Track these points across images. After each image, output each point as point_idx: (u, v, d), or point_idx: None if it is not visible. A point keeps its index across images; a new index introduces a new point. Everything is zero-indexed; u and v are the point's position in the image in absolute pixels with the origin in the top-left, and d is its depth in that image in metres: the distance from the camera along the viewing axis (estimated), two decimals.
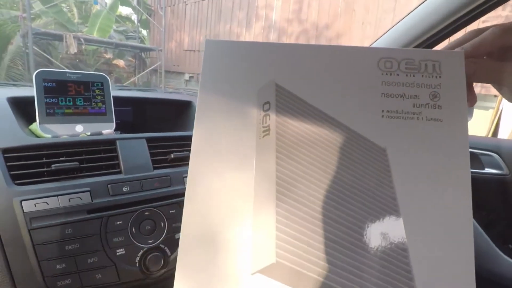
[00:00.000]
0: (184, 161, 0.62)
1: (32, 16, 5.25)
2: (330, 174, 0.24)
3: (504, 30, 0.25)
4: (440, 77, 0.25)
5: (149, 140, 0.61)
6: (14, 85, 0.97)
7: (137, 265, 0.52)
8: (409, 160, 0.23)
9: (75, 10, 7.49)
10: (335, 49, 0.26)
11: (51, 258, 0.47)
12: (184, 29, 6.50)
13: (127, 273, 0.52)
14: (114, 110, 0.67)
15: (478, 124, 2.68)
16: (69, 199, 0.49)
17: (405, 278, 0.21)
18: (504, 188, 0.88)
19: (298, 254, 0.22)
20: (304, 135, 0.24)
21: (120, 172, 0.55)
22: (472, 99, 0.27)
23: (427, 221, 0.22)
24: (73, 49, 5.35)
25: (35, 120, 0.59)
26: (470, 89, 0.27)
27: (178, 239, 0.25)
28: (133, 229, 0.53)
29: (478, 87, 2.45)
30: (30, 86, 0.59)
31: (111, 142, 0.58)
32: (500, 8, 0.71)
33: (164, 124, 0.83)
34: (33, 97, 0.59)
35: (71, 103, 0.62)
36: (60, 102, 0.61)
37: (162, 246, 0.55)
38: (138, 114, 0.83)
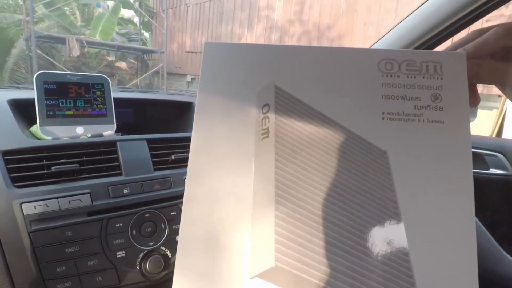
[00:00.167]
0: (185, 162, 0.61)
1: (35, 20, 5.28)
2: (330, 177, 0.23)
3: (507, 30, 0.24)
4: (441, 78, 0.24)
5: (149, 141, 0.60)
6: (17, 87, 0.97)
7: (137, 267, 0.52)
8: (410, 162, 0.23)
9: (77, 13, 7.53)
10: (335, 51, 0.26)
11: (51, 261, 0.47)
12: (186, 31, 6.52)
13: (128, 276, 0.51)
14: (115, 111, 0.66)
15: (482, 124, 2.66)
16: (69, 201, 0.49)
17: (407, 282, 0.21)
18: (509, 189, 0.87)
19: (297, 258, 0.22)
20: (303, 138, 0.24)
21: (120, 174, 0.55)
22: (475, 100, 0.27)
23: (429, 225, 0.22)
24: (76, 52, 5.37)
25: (36, 122, 0.59)
26: (473, 89, 0.26)
27: None
28: (134, 231, 0.53)
29: (481, 87, 2.43)
30: (33, 89, 0.59)
31: (112, 143, 0.58)
32: (503, 6, 0.70)
33: (165, 125, 0.83)
34: (33, 99, 0.59)
35: (72, 105, 0.62)
36: (60, 104, 0.61)
37: (162, 248, 0.54)
38: (139, 116, 0.83)
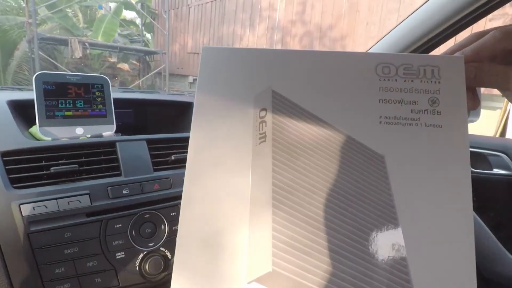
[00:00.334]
0: (185, 162, 0.60)
1: (37, 22, 5.31)
2: (327, 182, 0.23)
3: (505, 33, 0.24)
4: (439, 82, 0.24)
5: (149, 141, 0.60)
6: (19, 89, 0.97)
7: (137, 268, 0.52)
8: (407, 167, 0.23)
9: (80, 15, 7.57)
10: (332, 55, 0.26)
11: (50, 262, 0.47)
12: (188, 32, 6.53)
13: (127, 277, 0.51)
14: (115, 112, 0.66)
15: (486, 124, 2.65)
16: (68, 202, 0.48)
17: (402, 274, 0.21)
18: None
19: (294, 263, 0.22)
20: (301, 142, 0.24)
21: (120, 174, 0.55)
22: (475, 102, 0.26)
23: (427, 230, 0.22)
24: (78, 54, 5.39)
25: (35, 123, 0.59)
26: (473, 92, 0.26)
27: None
28: (133, 232, 0.52)
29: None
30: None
31: (111, 144, 0.57)
32: (507, 5, 0.69)
33: (166, 125, 0.83)
34: (33, 100, 0.58)
35: (71, 106, 0.62)
36: (60, 104, 0.60)
37: (162, 249, 0.54)
38: (139, 116, 0.83)
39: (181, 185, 0.26)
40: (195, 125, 0.26)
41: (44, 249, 0.46)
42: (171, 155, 0.61)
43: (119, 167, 0.55)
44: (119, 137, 0.61)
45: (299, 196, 0.23)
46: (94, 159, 0.55)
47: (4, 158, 0.49)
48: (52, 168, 0.50)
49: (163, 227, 0.55)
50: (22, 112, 0.62)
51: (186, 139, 0.26)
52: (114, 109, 0.66)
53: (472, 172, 0.89)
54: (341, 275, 0.21)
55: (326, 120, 0.24)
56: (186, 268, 0.23)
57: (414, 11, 0.76)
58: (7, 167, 0.48)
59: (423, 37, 0.70)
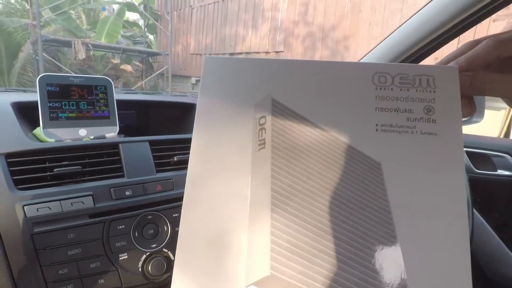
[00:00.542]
0: (187, 163, 0.61)
1: (41, 24, 5.35)
2: (325, 187, 0.24)
3: (497, 42, 0.24)
4: (434, 91, 0.25)
5: (152, 143, 0.60)
6: (24, 91, 0.98)
7: (139, 270, 0.52)
8: (403, 173, 0.23)
9: (83, 17, 7.62)
10: (330, 65, 0.26)
11: (53, 263, 0.47)
12: (190, 33, 6.55)
13: (130, 278, 0.51)
14: (118, 113, 0.66)
15: (490, 125, 2.63)
16: (72, 203, 0.49)
17: (399, 279, 0.22)
18: None
19: (292, 267, 0.22)
20: (299, 148, 0.25)
21: (123, 176, 0.55)
22: (471, 109, 0.27)
23: (422, 236, 0.22)
24: (82, 55, 5.43)
25: (39, 125, 0.59)
26: (469, 100, 0.27)
27: None
28: (136, 234, 0.52)
29: None
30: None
31: (114, 145, 0.57)
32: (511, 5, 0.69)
33: (168, 127, 0.83)
34: (37, 102, 0.59)
35: (75, 107, 0.62)
36: (63, 106, 0.61)
37: (165, 250, 0.54)
38: (142, 118, 0.83)
39: (184, 186, 0.26)
40: (196, 132, 0.26)
41: (48, 250, 0.47)
42: (173, 156, 0.61)
43: (122, 168, 0.56)
44: (122, 138, 0.61)
45: (297, 202, 0.23)
46: (97, 160, 0.55)
47: (8, 160, 0.49)
48: (55, 170, 0.50)
49: (165, 228, 0.55)
50: (26, 113, 0.62)
51: (189, 140, 0.27)
52: (117, 110, 0.66)
53: (476, 173, 0.89)
54: (339, 280, 0.22)
55: (324, 127, 0.25)
56: (186, 269, 0.23)
57: (417, 12, 0.76)
58: (11, 168, 0.49)
59: (426, 38, 0.69)
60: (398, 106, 0.25)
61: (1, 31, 5.43)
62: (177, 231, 0.54)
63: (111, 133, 0.64)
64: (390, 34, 0.80)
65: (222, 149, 0.25)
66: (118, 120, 0.66)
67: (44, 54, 5.13)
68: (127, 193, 0.53)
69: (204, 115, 0.26)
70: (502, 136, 2.59)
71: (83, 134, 0.62)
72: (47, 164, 0.51)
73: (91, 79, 0.64)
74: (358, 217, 0.23)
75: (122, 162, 0.56)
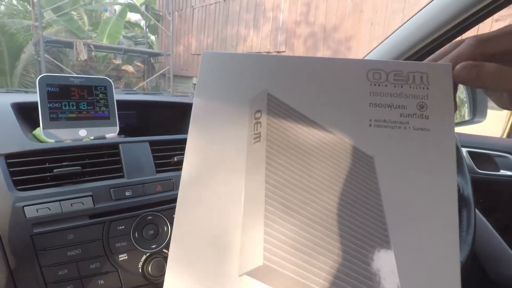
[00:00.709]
0: None
1: (43, 25, 5.36)
2: (319, 180, 0.24)
3: (478, 40, 0.25)
4: (427, 88, 0.25)
5: (152, 143, 0.60)
6: (25, 91, 0.98)
7: (140, 270, 0.52)
8: (395, 168, 0.24)
9: (85, 17, 7.63)
10: (326, 61, 0.27)
11: (53, 264, 0.47)
12: (192, 34, 6.56)
13: (130, 279, 0.51)
14: (118, 114, 0.66)
15: (493, 125, 2.62)
16: (71, 204, 0.49)
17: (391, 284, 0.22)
18: None
19: (285, 258, 0.22)
20: (294, 142, 0.25)
21: (122, 176, 0.55)
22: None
23: (413, 229, 0.23)
24: (83, 56, 5.44)
25: (39, 125, 0.59)
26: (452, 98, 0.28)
27: None
28: (136, 234, 0.52)
29: None
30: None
31: (114, 146, 0.57)
32: None
33: (169, 127, 0.83)
34: (37, 102, 0.59)
35: (75, 108, 0.62)
36: (63, 106, 0.61)
37: (165, 251, 0.54)
38: (142, 118, 0.83)
39: None
40: (193, 125, 0.27)
41: (47, 251, 0.46)
42: (173, 156, 0.61)
43: (122, 168, 0.55)
44: (122, 138, 0.61)
45: (291, 194, 0.24)
46: (97, 160, 0.55)
47: (8, 160, 0.49)
48: (55, 170, 0.50)
49: (165, 228, 0.54)
50: (26, 114, 0.62)
51: None
52: (117, 111, 0.66)
53: (479, 173, 0.88)
54: (332, 271, 0.22)
55: (319, 122, 0.25)
56: (180, 264, 0.24)
57: (419, 11, 0.75)
58: (11, 169, 0.49)
59: (428, 37, 0.69)
60: (391, 102, 0.25)
61: (3, 32, 5.45)
62: None
63: (111, 133, 0.64)
64: (392, 34, 0.80)
65: (218, 142, 0.26)
66: (119, 120, 0.66)
67: (46, 55, 5.14)
68: (127, 193, 0.53)
69: (201, 109, 0.27)
70: (504, 136, 2.58)
71: (83, 134, 0.62)
72: (47, 165, 0.51)
73: (91, 79, 0.64)
74: (351, 210, 0.23)
75: (122, 162, 0.56)
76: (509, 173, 0.86)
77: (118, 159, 0.56)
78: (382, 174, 0.24)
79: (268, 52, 5.00)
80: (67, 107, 0.61)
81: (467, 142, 0.91)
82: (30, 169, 0.50)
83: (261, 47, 5.13)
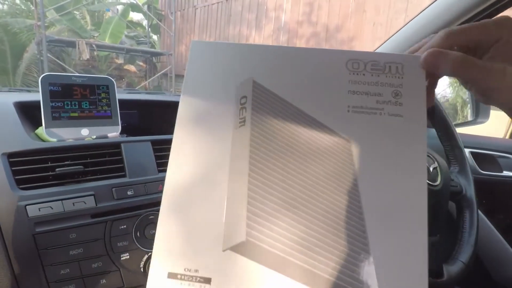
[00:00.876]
0: None
1: (46, 24, 5.38)
2: (299, 161, 0.26)
3: (448, 33, 0.27)
4: (402, 77, 0.27)
5: (154, 142, 0.60)
6: (28, 91, 0.98)
7: (141, 270, 0.52)
8: (370, 150, 0.26)
9: (87, 17, 7.65)
10: (308, 51, 0.29)
11: (55, 263, 0.47)
12: (194, 33, 6.56)
13: (132, 278, 0.51)
14: (120, 113, 0.66)
15: (496, 126, 2.60)
16: (73, 203, 0.49)
17: (363, 250, 0.24)
18: None
19: (267, 234, 0.24)
20: (276, 126, 0.27)
21: (124, 176, 0.55)
22: (430, 101, 0.30)
23: (384, 205, 0.25)
24: (86, 55, 5.45)
25: (41, 124, 0.59)
26: (431, 91, 0.30)
27: None
28: (138, 233, 0.52)
29: None
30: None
31: (116, 145, 0.57)
32: None
33: (170, 126, 0.83)
34: (39, 101, 0.59)
35: (77, 107, 0.62)
36: (65, 106, 0.61)
37: None
38: (144, 117, 0.83)
39: None
40: (182, 109, 0.28)
41: (50, 250, 0.47)
42: None
43: (124, 168, 0.55)
44: (124, 138, 0.61)
45: (272, 174, 0.26)
46: (99, 160, 0.55)
47: (10, 159, 0.49)
48: (57, 169, 0.50)
49: None
50: (29, 113, 0.62)
51: None
52: (119, 110, 0.66)
53: (482, 174, 0.88)
54: (310, 246, 0.24)
55: (300, 107, 0.27)
56: (167, 242, 0.25)
57: (422, 11, 0.75)
58: (13, 168, 0.49)
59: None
60: (368, 90, 0.27)
61: (6, 31, 5.47)
62: None
63: (113, 132, 0.64)
64: (394, 34, 0.79)
65: (205, 127, 0.27)
66: (121, 119, 0.66)
67: (48, 55, 5.16)
68: (129, 193, 0.53)
69: (189, 96, 0.28)
70: (507, 137, 2.57)
71: (85, 133, 0.62)
72: (49, 164, 0.51)
73: (94, 78, 0.64)
74: (328, 189, 0.25)
75: (124, 162, 0.56)
76: None
77: (120, 158, 0.56)
78: (358, 156, 0.26)
79: None
80: (70, 106, 0.61)
81: (470, 143, 0.91)
82: (33, 168, 0.50)
83: None
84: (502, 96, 0.27)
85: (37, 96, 0.63)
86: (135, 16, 9.34)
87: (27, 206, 0.46)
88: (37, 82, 0.60)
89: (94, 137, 0.62)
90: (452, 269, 0.49)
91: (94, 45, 5.66)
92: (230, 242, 0.24)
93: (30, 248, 0.46)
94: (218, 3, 5.92)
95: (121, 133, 0.66)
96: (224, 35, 5.82)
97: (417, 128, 0.26)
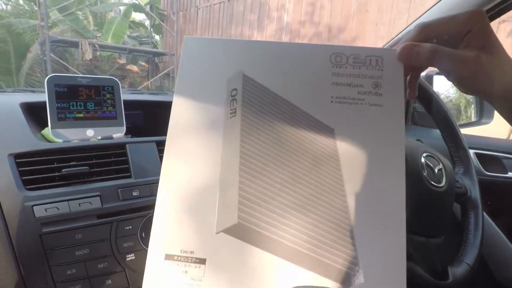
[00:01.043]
0: None
1: (49, 25, 5.40)
2: (287, 149, 0.28)
3: (421, 26, 0.29)
4: (382, 70, 0.29)
5: (159, 143, 0.60)
6: (32, 91, 0.99)
7: None
8: (353, 137, 0.28)
9: (90, 17, 7.67)
10: (295, 46, 0.31)
11: (62, 263, 0.47)
12: (196, 33, 6.57)
13: (137, 279, 0.51)
14: (125, 114, 0.67)
15: (501, 126, 2.59)
16: (79, 204, 0.49)
17: (348, 236, 0.26)
18: None
19: (257, 217, 0.26)
20: (265, 116, 0.29)
21: (130, 176, 0.55)
22: (412, 92, 0.34)
23: (365, 186, 0.27)
24: (88, 55, 5.47)
25: (47, 125, 0.59)
26: (412, 83, 0.33)
27: None
28: (143, 234, 0.52)
29: None
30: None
31: (121, 146, 0.58)
32: None
33: None
34: (45, 102, 0.59)
35: (82, 108, 0.62)
36: (71, 106, 0.61)
37: None
38: (148, 118, 0.83)
39: None
40: (176, 101, 0.29)
41: (56, 251, 0.47)
42: None
43: (129, 169, 0.56)
44: (129, 139, 0.62)
45: (262, 161, 0.27)
46: (105, 160, 0.55)
47: (17, 160, 0.49)
48: (63, 170, 0.50)
49: None
50: (34, 114, 0.62)
51: None
52: (124, 110, 0.66)
53: (486, 175, 0.87)
54: (299, 228, 0.26)
55: (287, 99, 0.29)
56: (163, 225, 0.27)
57: (425, 12, 0.75)
58: (20, 168, 0.49)
59: None
60: (351, 81, 0.29)
61: (10, 32, 5.50)
62: None
63: (118, 133, 0.64)
64: (397, 35, 0.79)
65: (198, 118, 0.29)
66: (125, 120, 0.66)
67: (51, 55, 5.18)
68: (134, 193, 0.53)
69: (184, 87, 0.30)
70: None
71: (91, 134, 0.62)
72: (56, 165, 0.52)
73: (99, 79, 0.65)
74: (314, 174, 0.27)
75: (129, 162, 0.56)
76: None
77: (125, 159, 0.57)
78: (341, 143, 0.28)
79: None
80: (75, 107, 0.62)
81: (475, 144, 0.90)
82: (39, 169, 0.50)
83: None
84: (479, 84, 0.28)
85: (42, 96, 0.63)
86: (137, 16, 9.36)
87: (34, 207, 0.46)
88: (41, 82, 0.60)
89: (99, 137, 0.62)
90: (457, 271, 0.49)
91: (96, 45, 5.68)
92: (223, 224, 0.26)
93: (37, 248, 0.46)
94: (220, 3, 5.92)
95: (126, 133, 0.67)
96: (226, 35, 5.82)
97: (396, 117, 0.28)
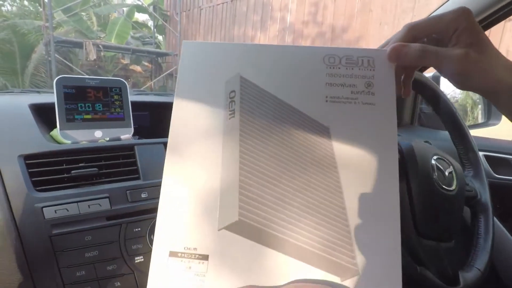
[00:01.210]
0: None
1: (53, 25, 5.43)
2: (285, 148, 0.29)
3: (409, 27, 0.30)
4: (374, 70, 0.30)
5: (166, 145, 0.60)
6: (37, 92, 0.99)
7: None
8: (347, 135, 0.29)
9: (94, 18, 7.70)
10: (289, 48, 0.32)
11: (71, 265, 0.47)
12: (199, 34, 6.58)
13: (146, 281, 0.51)
14: (132, 115, 0.67)
15: (509, 128, 2.57)
16: (89, 205, 0.49)
17: (344, 231, 0.27)
18: None
19: (258, 214, 0.27)
20: (263, 117, 0.30)
21: (138, 178, 0.55)
22: (406, 91, 0.35)
23: (359, 178, 0.28)
24: (92, 56, 5.50)
25: (56, 126, 0.59)
26: (406, 82, 0.35)
27: None
28: (152, 236, 0.52)
29: None
30: (52, 93, 0.60)
31: (130, 147, 0.58)
32: None
33: None
34: (54, 104, 0.59)
35: (90, 109, 0.62)
36: (79, 108, 0.61)
37: None
38: (155, 119, 0.83)
39: None
40: (177, 103, 0.30)
41: (66, 252, 0.47)
42: None
43: (138, 170, 0.56)
44: (137, 140, 0.62)
45: (261, 160, 0.28)
46: (113, 162, 0.55)
47: (27, 161, 0.49)
48: (73, 171, 0.51)
49: None
50: (43, 115, 0.62)
51: None
52: (131, 112, 0.66)
53: (495, 178, 0.86)
54: (298, 224, 0.27)
55: (283, 99, 0.30)
56: (168, 223, 0.27)
57: (432, 13, 0.74)
58: (30, 170, 0.49)
59: None
60: (344, 81, 0.30)
61: (15, 32, 5.53)
62: None
63: (126, 134, 0.64)
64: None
65: (199, 120, 0.30)
66: (132, 121, 0.66)
67: (56, 55, 5.21)
68: (143, 195, 0.53)
69: (184, 91, 0.31)
70: None
71: (99, 135, 0.62)
72: (65, 166, 0.52)
73: (106, 81, 0.65)
74: (313, 173, 0.28)
75: (137, 164, 0.56)
76: None
77: (134, 160, 0.57)
78: (336, 141, 0.29)
79: None
80: (83, 108, 0.62)
81: (484, 146, 0.90)
82: (49, 170, 0.50)
83: None
84: (471, 80, 0.29)
85: (49, 97, 0.64)
86: (140, 17, 9.38)
87: (43, 208, 0.46)
88: (45, 83, 0.61)
89: (107, 139, 0.62)
90: (468, 276, 0.48)
91: (100, 46, 5.70)
92: (225, 222, 0.27)
93: (47, 250, 0.46)
94: (223, 3, 5.93)
95: (133, 135, 0.67)
96: (229, 35, 5.83)
97: (387, 115, 0.29)
